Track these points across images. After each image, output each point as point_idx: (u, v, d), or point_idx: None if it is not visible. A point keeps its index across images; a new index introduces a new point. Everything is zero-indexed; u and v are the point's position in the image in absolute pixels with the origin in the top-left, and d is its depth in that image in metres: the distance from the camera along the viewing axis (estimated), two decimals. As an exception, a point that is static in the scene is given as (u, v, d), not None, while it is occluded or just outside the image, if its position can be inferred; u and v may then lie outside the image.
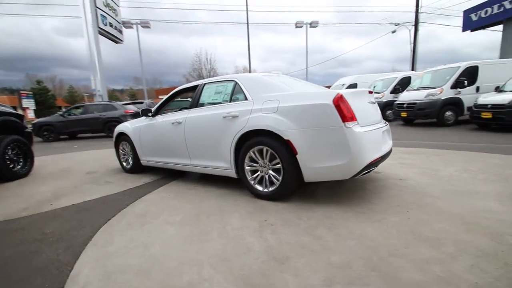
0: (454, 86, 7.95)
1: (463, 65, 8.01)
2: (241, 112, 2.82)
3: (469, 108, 7.82)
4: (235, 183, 3.35)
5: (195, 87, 3.58)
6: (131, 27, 19.54)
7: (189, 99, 5.48)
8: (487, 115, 6.58)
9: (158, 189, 3.47)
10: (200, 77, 28.64)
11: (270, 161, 2.68)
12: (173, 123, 3.51)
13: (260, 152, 2.73)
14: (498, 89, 7.19)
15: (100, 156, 6.43)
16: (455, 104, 8.01)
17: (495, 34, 16.07)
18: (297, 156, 2.45)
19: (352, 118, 2.32)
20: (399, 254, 1.65)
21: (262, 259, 1.68)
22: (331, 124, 2.30)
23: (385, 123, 3.03)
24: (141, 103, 13.29)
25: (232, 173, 3.01)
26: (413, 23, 18.61)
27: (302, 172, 2.47)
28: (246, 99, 2.88)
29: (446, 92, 7.98)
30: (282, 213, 2.40)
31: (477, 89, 7.99)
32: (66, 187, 3.79)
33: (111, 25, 17.64)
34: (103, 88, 15.80)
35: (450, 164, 3.78)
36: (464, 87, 7.88)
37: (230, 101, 3.06)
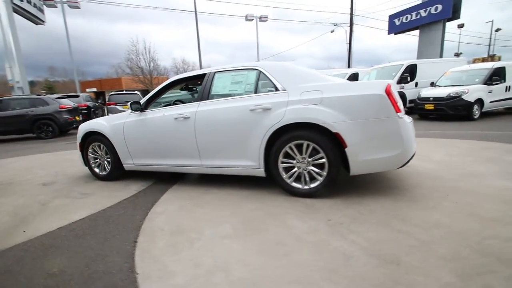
0: (399, 82, 9.03)
1: (406, 63, 9.16)
2: (274, 104, 2.56)
3: (410, 101, 9.02)
4: (250, 181, 3.08)
5: (200, 76, 3.12)
6: (55, 6, 16.14)
7: (178, 92, 4.81)
8: (430, 106, 7.70)
9: (163, 196, 2.94)
10: (139, 68, 25.84)
11: (310, 156, 2.52)
12: (176, 118, 2.99)
13: (298, 147, 2.54)
14: (434, 84, 8.47)
15: (43, 162, 5.18)
16: (400, 97, 9.12)
17: (405, 38, 18.93)
18: (346, 149, 2.35)
19: (400, 108, 2.33)
20: (492, 236, 1.72)
21: (372, 263, 1.54)
22: (385, 115, 2.27)
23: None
24: (77, 96, 11.25)
25: (259, 171, 2.74)
26: (349, 24, 20.47)
27: (349, 165, 2.39)
28: (276, 89, 2.63)
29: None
30: (338, 210, 2.28)
31: (416, 84, 9.27)
32: (28, 205, 2.90)
33: (29, 1, 14.31)
34: (24, 78, 12.74)
35: (431, 150, 4.25)
36: (407, 82, 9.04)
37: (255, 92, 2.76)
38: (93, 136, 3.65)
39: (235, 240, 1.90)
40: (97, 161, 3.75)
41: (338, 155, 2.40)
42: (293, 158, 2.59)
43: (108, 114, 11.25)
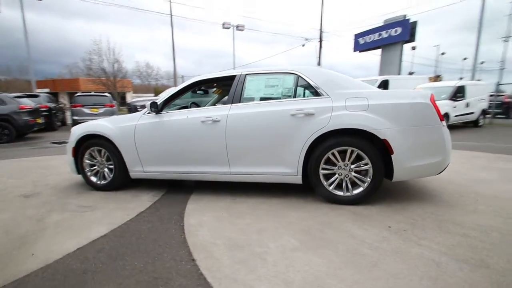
0: None
1: (380, 78, 9.91)
2: (318, 109, 2.50)
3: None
4: (273, 189, 2.96)
5: (229, 78, 2.94)
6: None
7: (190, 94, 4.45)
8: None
9: (187, 207, 2.66)
10: (101, 69, 23.72)
11: (353, 162, 2.50)
12: (204, 121, 2.76)
13: (341, 153, 2.50)
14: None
15: (9, 170, 4.39)
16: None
17: (366, 56, 20.63)
18: (392, 156, 2.37)
19: (442, 117, 2.45)
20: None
21: (465, 268, 1.53)
22: (430, 122, 2.35)
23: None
24: (36, 96, 9.90)
25: (296, 179, 2.63)
26: (319, 40, 21.62)
27: (394, 172, 2.42)
28: (318, 95, 2.58)
29: None
30: (388, 217, 2.27)
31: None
32: (18, 221, 2.38)
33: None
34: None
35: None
36: None
37: (294, 97, 2.67)
38: (92, 140, 3.20)
39: (309, 253, 1.75)
40: (95, 169, 3.28)
41: (382, 161, 2.42)
42: (334, 165, 2.54)
43: (72, 117, 10.11)
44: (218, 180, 2.89)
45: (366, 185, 2.47)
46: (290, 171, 2.62)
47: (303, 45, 22.04)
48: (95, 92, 11.70)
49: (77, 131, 3.26)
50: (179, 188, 3.26)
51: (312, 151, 2.54)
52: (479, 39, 12.03)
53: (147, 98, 10.50)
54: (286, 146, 2.59)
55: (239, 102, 2.78)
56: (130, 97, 34.31)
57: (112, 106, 10.57)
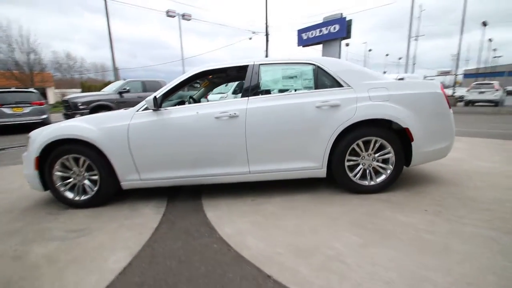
0: (233, 93, 9.76)
1: (235, 83, 10.32)
2: (343, 100, 2.46)
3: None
4: (289, 184, 2.87)
5: (239, 68, 2.67)
6: None
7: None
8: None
9: (208, 215, 2.35)
10: (13, 61, 19.25)
11: (376, 151, 2.55)
12: (218, 117, 2.45)
13: (365, 143, 2.53)
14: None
15: None
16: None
17: (307, 51, 22.01)
18: (412, 143, 2.50)
19: (449, 104, 2.66)
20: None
21: (520, 240, 1.69)
22: (442, 110, 2.54)
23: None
24: None
25: (321, 172, 2.57)
26: (265, 33, 21.92)
27: (412, 158, 2.55)
28: (339, 85, 2.54)
29: (230, 96, 9.30)
30: (418, 201, 2.38)
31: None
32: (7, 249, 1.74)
33: None
34: None
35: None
36: (238, 93, 10.20)
37: (315, 88, 2.57)
38: (63, 146, 2.55)
39: (380, 247, 1.71)
40: (70, 182, 2.63)
41: (403, 149, 2.53)
42: (357, 155, 2.56)
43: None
44: (233, 181, 2.62)
45: (389, 172, 2.56)
46: (315, 165, 2.54)
47: (250, 38, 22.07)
48: (16, 88, 9.55)
49: (42, 137, 2.55)
50: (180, 195, 2.87)
51: (337, 143, 2.50)
52: (410, 39, 13.85)
53: (90, 94, 9.03)
54: (311, 139, 2.49)
55: (257, 94, 2.55)
56: (51, 94, 29.28)
57: (41, 104, 8.80)
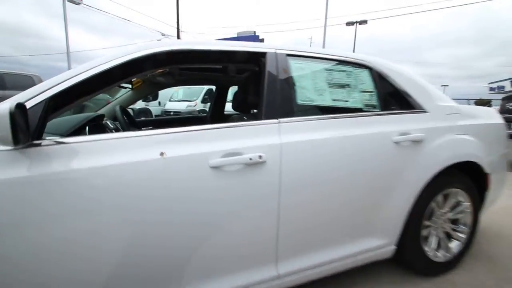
0: (203, 101, 10.18)
1: (206, 87, 10.06)
2: (426, 131, 1.50)
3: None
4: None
5: (246, 54, 1.34)
6: None
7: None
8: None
9: None
10: None
11: (451, 209, 1.70)
12: (218, 166, 1.03)
13: (443, 199, 1.64)
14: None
15: None
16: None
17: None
18: (487, 192, 1.78)
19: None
20: None
21: None
22: (504, 147, 1.93)
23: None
24: None
25: (387, 252, 1.51)
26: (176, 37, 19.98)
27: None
28: (409, 106, 1.57)
29: (199, 105, 10.12)
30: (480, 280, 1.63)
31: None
32: None
33: None
34: None
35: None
36: (208, 102, 9.92)
37: (382, 109, 1.50)
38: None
39: None
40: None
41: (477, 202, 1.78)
42: (429, 218, 1.64)
43: None
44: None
45: (465, 237, 1.74)
46: (381, 242, 1.46)
47: (159, 40, 19.57)
48: None
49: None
50: None
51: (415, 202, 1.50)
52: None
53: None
54: (383, 199, 1.40)
55: (291, 113, 1.27)
56: None
57: None
